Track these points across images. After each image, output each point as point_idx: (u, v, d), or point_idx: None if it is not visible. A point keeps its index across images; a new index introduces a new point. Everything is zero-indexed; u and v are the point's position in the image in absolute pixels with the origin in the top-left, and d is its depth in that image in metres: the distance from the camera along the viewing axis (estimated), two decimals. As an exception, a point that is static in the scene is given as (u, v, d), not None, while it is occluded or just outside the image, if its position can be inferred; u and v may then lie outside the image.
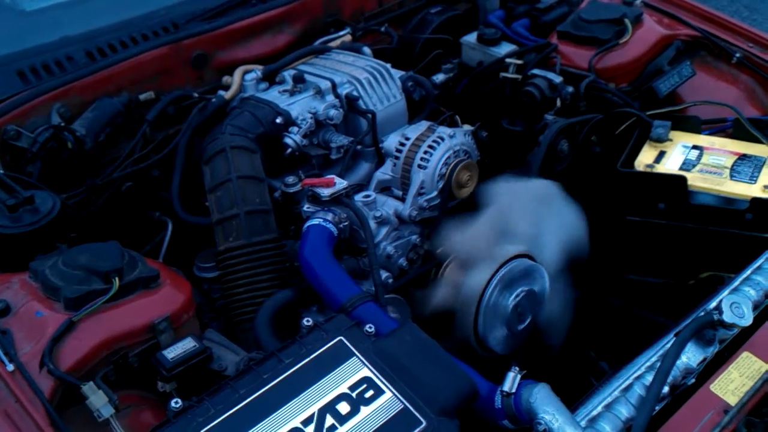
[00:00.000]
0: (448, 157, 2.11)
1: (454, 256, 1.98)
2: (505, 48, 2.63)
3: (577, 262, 1.99)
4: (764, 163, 2.16)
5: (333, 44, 2.50)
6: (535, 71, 2.49)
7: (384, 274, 1.97)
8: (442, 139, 2.12)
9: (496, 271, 1.87)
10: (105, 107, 2.12)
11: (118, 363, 1.54)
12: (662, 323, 1.91)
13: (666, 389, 1.58)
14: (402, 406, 1.36)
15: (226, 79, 2.33)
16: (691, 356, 1.64)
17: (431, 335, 1.51)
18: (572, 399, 1.60)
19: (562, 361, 2.18)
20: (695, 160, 2.21)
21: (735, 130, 2.31)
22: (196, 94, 2.26)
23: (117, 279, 1.57)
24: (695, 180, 2.14)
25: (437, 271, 2.04)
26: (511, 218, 1.94)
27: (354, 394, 1.37)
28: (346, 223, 1.90)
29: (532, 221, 1.96)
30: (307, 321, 1.49)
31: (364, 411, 1.35)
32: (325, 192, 1.91)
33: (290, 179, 2.02)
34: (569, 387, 1.73)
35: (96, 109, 2.11)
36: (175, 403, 1.33)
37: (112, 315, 1.55)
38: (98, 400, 1.42)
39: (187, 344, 1.56)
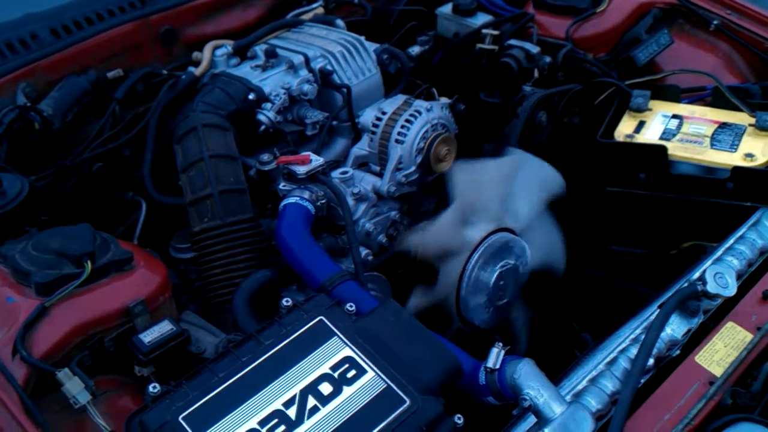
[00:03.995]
0: (426, 131, 2.08)
1: (455, 199, 1.95)
2: (481, 18, 2.60)
3: (557, 200, 1.98)
4: (744, 131, 2.15)
5: (305, 17, 2.46)
6: (512, 42, 2.47)
7: (363, 252, 1.94)
8: (420, 112, 2.09)
9: (468, 259, 1.85)
10: (72, 86, 2.08)
11: (93, 348, 1.50)
12: (645, 294, 1.90)
13: (651, 361, 1.58)
14: (385, 385, 1.34)
15: (195, 54, 2.29)
16: (676, 328, 1.64)
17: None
18: (556, 371, 1.59)
19: (545, 332, 2.18)
20: (675, 129, 2.20)
21: (714, 98, 2.30)
22: (165, 71, 2.23)
23: (89, 262, 1.54)
24: (676, 149, 2.13)
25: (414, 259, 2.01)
26: (478, 201, 1.91)
27: (336, 375, 1.34)
28: (324, 201, 1.87)
29: (500, 196, 1.93)
30: (287, 301, 1.47)
31: (347, 391, 1.33)
32: (301, 169, 1.87)
33: (265, 157, 1.99)
34: (552, 359, 1.73)
35: (63, 88, 2.07)
36: (153, 387, 1.30)
37: (86, 299, 1.52)
38: (74, 386, 1.39)
39: (164, 327, 1.53)
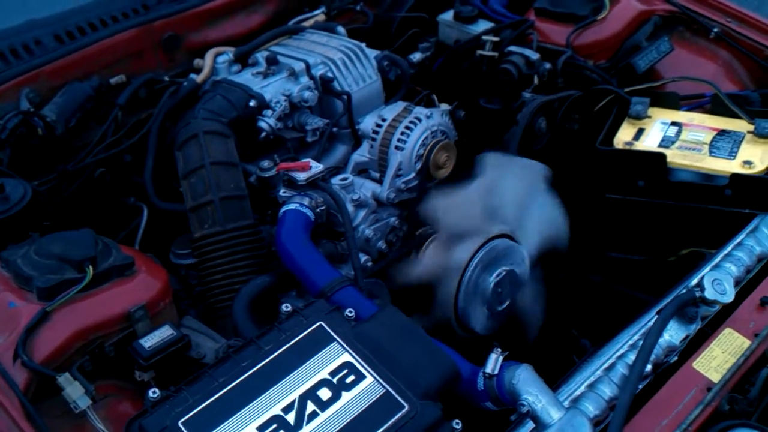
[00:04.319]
0: (426, 138, 2.08)
1: (440, 228, 1.96)
2: (482, 25, 2.60)
3: (553, 254, 1.98)
4: (743, 138, 2.16)
5: (306, 24, 2.47)
6: (512, 48, 2.47)
7: (363, 258, 1.95)
8: (419, 119, 2.09)
9: (481, 247, 1.85)
10: (75, 92, 2.08)
11: (94, 353, 1.51)
12: (643, 300, 1.91)
13: (649, 367, 1.58)
14: (384, 390, 1.34)
15: (197, 61, 2.29)
16: (674, 334, 1.65)
17: (411, 309, 1.49)
18: (554, 377, 1.60)
19: (544, 339, 2.18)
20: (674, 136, 2.20)
21: (714, 105, 2.30)
22: (167, 78, 2.24)
23: (91, 267, 1.55)
24: (674, 157, 2.13)
25: (418, 251, 2.01)
26: (500, 194, 1.92)
27: (335, 380, 1.35)
28: (323, 207, 1.87)
29: (519, 202, 1.94)
30: (286, 307, 1.47)
31: (346, 396, 1.33)
32: (301, 176, 1.88)
33: (265, 163, 1.99)
34: (551, 365, 1.73)
35: (66, 94, 2.07)
36: (153, 392, 1.31)
37: (87, 304, 1.53)
38: (74, 391, 1.40)
39: (164, 332, 1.54)
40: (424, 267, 1.90)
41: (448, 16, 2.66)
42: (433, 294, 1.87)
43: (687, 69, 2.48)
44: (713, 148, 2.14)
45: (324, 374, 1.36)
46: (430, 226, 2.01)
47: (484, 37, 2.49)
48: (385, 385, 1.35)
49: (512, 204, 1.94)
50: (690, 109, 2.36)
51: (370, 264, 1.97)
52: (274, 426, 1.28)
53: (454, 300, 1.85)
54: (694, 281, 1.73)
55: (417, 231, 2.08)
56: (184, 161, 1.96)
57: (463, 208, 1.91)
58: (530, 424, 1.46)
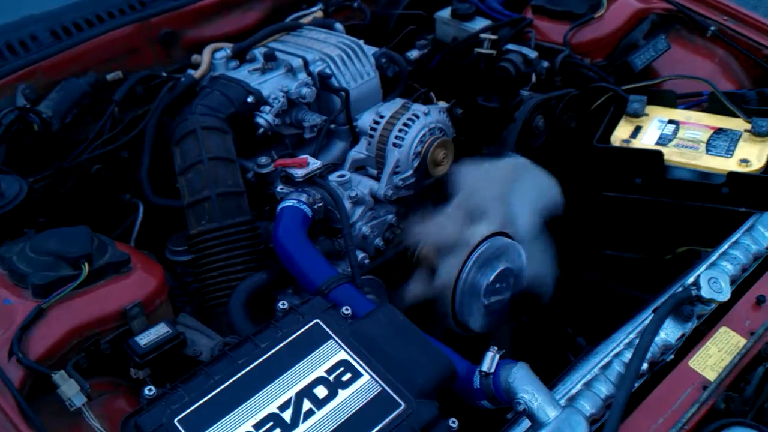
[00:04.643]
0: (423, 135, 2.08)
1: (427, 249, 1.96)
2: (480, 23, 2.60)
3: (553, 218, 1.99)
4: (740, 136, 2.16)
5: (304, 20, 2.46)
6: (510, 46, 2.47)
7: (360, 255, 1.95)
8: (417, 116, 2.09)
9: (469, 256, 1.85)
10: (71, 88, 2.07)
11: (89, 350, 1.51)
12: (639, 298, 1.91)
13: (645, 366, 1.58)
14: (380, 388, 1.34)
15: (195, 57, 2.29)
16: (670, 332, 1.65)
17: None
18: (550, 375, 1.60)
19: (540, 337, 2.18)
20: (671, 134, 2.20)
21: (710, 104, 2.30)
22: (164, 74, 2.23)
23: (86, 264, 1.54)
24: (672, 155, 2.13)
25: (413, 254, 2.01)
26: (481, 200, 1.93)
27: (331, 378, 1.35)
28: (321, 204, 1.87)
29: (502, 199, 1.94)
30: (283, 304, 1.47)
31: (342, 394, 1.33)
32: (299, 172, 1.88)
33: (263, 160, 1.99)
34: (547, 363, 1.73)
35: (62, 90, 2.07)
36: (149, 390, 1.31)
37: (82, 301, 1.52)
38: (70, 389, 1.40)
39: (160, 330, 1.53)
40: (437, 228, 1.91)
41: (446, 13, 2.66)
42: (432, 310, 1.87)
43: (684, 67, 2.48)
44: (710, 147, 2.14)
45: (320, 372, 1.35)
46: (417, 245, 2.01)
47: (482, 35, 2.48)
48: (382, 383, 1.35)
49: (494, 202, 1.94)
50: (687, 108, 2.36)
51: (367, 261, 1.97)
52: (270, 424, 1.27)
53: (452, 307, 1.86)
54: (690, 279, 1.73)
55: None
56: (182, 157, 1.96)
57: (487, 185, 1.93)
58: (526, 423, 1.46)
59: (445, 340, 1.63)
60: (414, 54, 2.52)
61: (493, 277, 1.86)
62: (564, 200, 2.00)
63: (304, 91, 2.11)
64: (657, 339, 1.61)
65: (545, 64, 2.44)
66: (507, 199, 1.96)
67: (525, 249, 1.96)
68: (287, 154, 2.06)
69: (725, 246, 1.90)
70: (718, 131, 2.19)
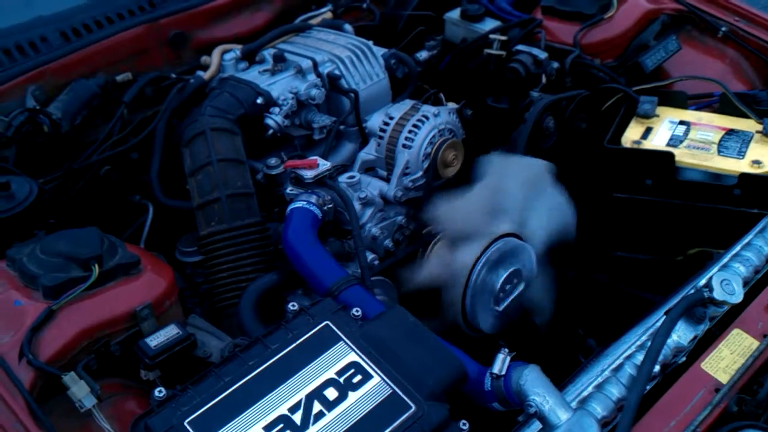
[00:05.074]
0: (433, 136, 2.08)
1: (444, 232, 1.95)
2: (489, 24, 2.60)
3: (562, 247, 1.97)
4: (752, 137, 2.15)
5: (314, 22, 2.46)
6: (520, 47, 2.46)
7: (370, 256, 1.94)
8: (427, 117, 2.09)
9: (487, 248, 1.85)
10: (81, 89, 2.08)
11: (99, 352, 1.51)
12: (650, 300, 1.90)
13: (657, 368, 1.57)
14: (390, 390, 1.34)
15: (204, 59, 2.29)
16: (682, 334, 1.63)
17: (419, 314, 1.48)
18: (560, 377, 1.59)
19: (550, 338, 2.17)
20: (682, 135, 2.19)
21: (722, 104, 2.29)
22: (174, 75, 2.23)
23: (96, 266, 1.54)
24: (683, 156, 2.12)
25: (424, 252, 2.01)
26: (504, 195, 1.92)
27: (342, 380, 1.34)
28: (331, 205, 1.87)
29: (523, 201, 1.94)
30: (293, 306, 1.46)
31: (352, 396, 1.32)
32: (309, 174, 1.88)
33: (272, 161, 1.99)
34: (557, 364, 1.72)
35: (72, 92, 2.07)
36: (159, 392, 1.30)
37: (93, 303, 1.53)
38: (80, 390, 1.40)
39: (170, 331, 1.53)
40: (429, 270, 1.90)
41: (455, 14, 2.66)
42: (441, 297, 1.86)
43: (695, 68, 2.47)
44: (722, 148, 2.13)
45: (331, 374, 1.35)
46: (435, 227, 2.00)
47: (492, 36, 2.48)
48: (392, 385, 1.34)
49: (517, 203, 1.94)
50: (698, 109, 2.35)
51: (376, 262, 1.97)
52: (281, 426, 1.27)
53: (462, 301, 1.85)
54: (703, 281, 1.72)
55: (423, 230, 2.07)
56: (191, 158, 1.96)
57: (468, 210, 1.91)
58: (537, 425, 1.45)
59: (455, 342, 1.62)
60: (423, 55, 2.51)
61: (502, 279, 1.85)
62: (575, 228, 2.00)
63: (314, 92, 2.11)
64: (669, 341, 1.60)
65: (555, 65, 2.43)
66: (527, 204, 1.95)
67: (532, 215, 1.96)
68: (297, 156, 2.06)
69: (737, 248, 1.88)
70: (730, 132, 2.18)
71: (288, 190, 1.92)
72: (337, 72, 2.17)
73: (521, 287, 1.91)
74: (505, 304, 1.89)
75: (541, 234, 1.94)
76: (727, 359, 1.60)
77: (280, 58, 2.17)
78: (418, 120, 2.08)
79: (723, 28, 2.54)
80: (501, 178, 1.96)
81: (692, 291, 1.69)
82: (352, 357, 1.38)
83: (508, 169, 1.99)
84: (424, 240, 2.04)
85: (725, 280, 1.64)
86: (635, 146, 2.19)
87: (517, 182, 1.96)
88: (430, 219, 1.96)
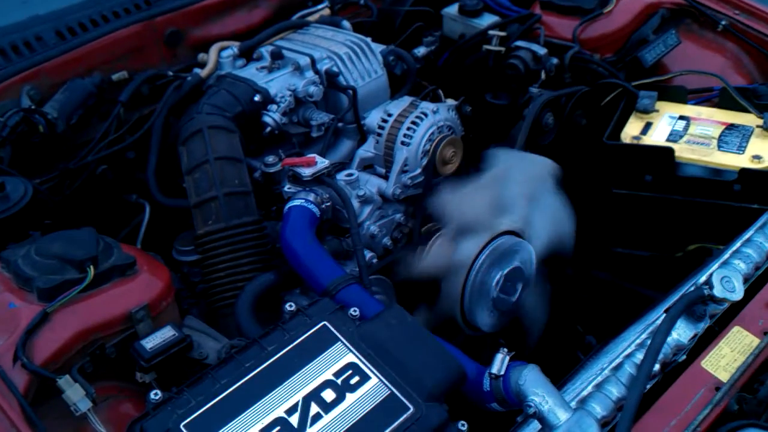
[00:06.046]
0: (432, 133, 2.07)
1: (447, 221, 1.94)
2: (488, 19, 2.59)
3: (558, 257, 1.96)
4: (752, 132, 2.14)
5: (311, 18, 2.45)
6: (519, 43, 2.45)
7: (368, 255, 1.94)
8: (426, 114, 2.08)
9: (489, 242, 1.83)
10: (77, 88, 2.06)
11: (94, 354, 1.50)
12: (650, 296, 1.89)
13: (657, 367, 1.56)
14: (389, 392, 1.33)
15: (201, 56, 2.28)
16: (682, 332, 1.62)
17: (416, 303, 1.47)
18: (560, 374, 1.58)
19: (549, 335, 2.16)
20: (682, 130, 2.18)
21: (722, 99, 2.28)
22: (170, 73, 2.22)
23: (92, 268, 1.53)
24: (683, 151, 2.11)
25: (423, 249, 2.00)
26: (508, 190, 1.91)
27: (339, 381, 1.33)
28: (329, 203, 1.86)
29: (527, 198, 1.92)
30: (290, 306, 1.46)
31: (350, 398, 1.31)
32: (307, 171, 1.87)
33: (270, 159, 1.98)
34: (556, 361, 1.72)
35: (67, 91, 2.06)
36: (155, 395, 1.29)
37: (88, 305, 1.51)
38: (75, 393, 1.38)
39: (166, 333, 1.52)
40: (430, 261, 1.89)
41: (453, 9, 2.65)
42: (439, 288, 1.85)
43: (694, 62, 2.46)
44: (722, 143, 2.12)
45: (328, 375, 1.34)
46: (436, 222, 1.99)
47: (491, 32, 2.47)
48: (390, 386, 1.33)
49: (520, 200, 1.93)
50: (698, 103, 2.34)
51: (375, 261, 1.96)
52: (278, 428, 1.26)
53: (461, 297, 1.84)
54: (703, 278, 1.71)
55: (423, 227, 2.06)
56: (188, 157, 1.95)
57: (471, 202, 1.90)
58: (536, 425, 1.44)
59: (452, 340, 1.61)
60: (421, 51, 2.51)
61: (500, 277, 1.84)
62: (563, 176, 1.99)
63: (312, 89, 2.09)
64: (669, 339, 1.59)
65: (554, 60, 2.42)
66: (496, 203, 1.93)
67: (533, 221, 1.94)
68: (295, 153, 2.05)
69: (738, 244, 1.87)
70: (730, 127, 2.17)
71: (286, 188, 1.91)
72: (335, 69, 2.16)
73: (520, 286, 1.90)
74: (504, 302, 1.88)
75: (542, 239, 1.93)
76: (727, 357, 1.59)
77: (277, 55, 2.16)
78: (417, 117, 2.07)
79: (723, 22, 2.52)
80: (507, 171, 1.95)
81: (692, 288, 1.68)
82: (350, 358, 1.37)
83: (515, 164, 1.98)
84: (424, 236, 2.03)
85: (725, 277, 1.63)
86: (635, 142, 2.18)
87: (522, 177, 1.95)
88: (434, 207, 1.94)
